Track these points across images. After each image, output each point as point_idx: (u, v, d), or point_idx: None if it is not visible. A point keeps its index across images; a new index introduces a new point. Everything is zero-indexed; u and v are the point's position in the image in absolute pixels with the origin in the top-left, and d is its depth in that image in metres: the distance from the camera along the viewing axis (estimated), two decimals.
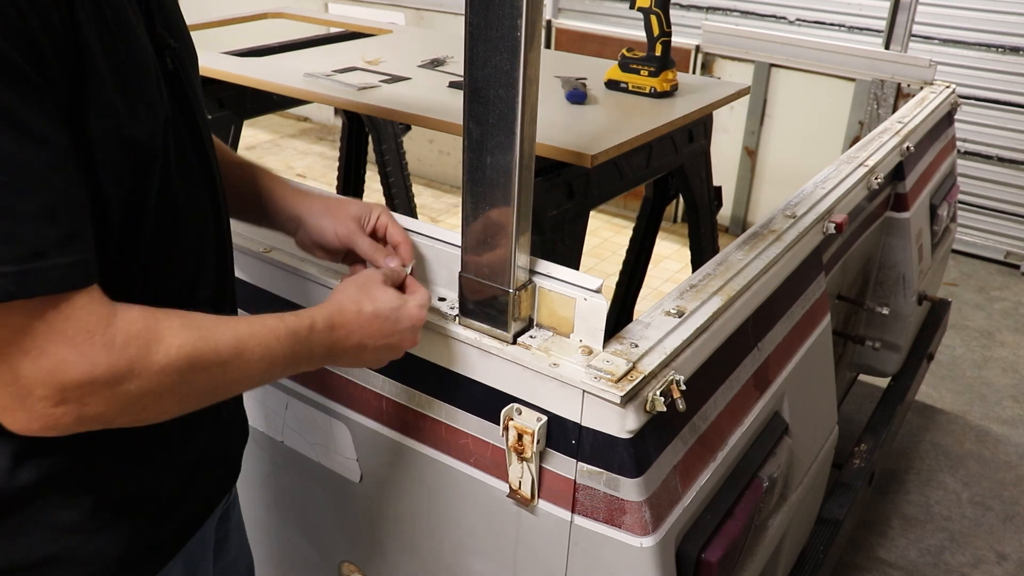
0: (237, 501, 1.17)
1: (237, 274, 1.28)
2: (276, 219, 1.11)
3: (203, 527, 1.00)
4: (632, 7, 1.81)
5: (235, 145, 2.13)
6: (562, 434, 1.00)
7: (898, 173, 2.04)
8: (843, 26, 4.35)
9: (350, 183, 2.84)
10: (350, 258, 1.11)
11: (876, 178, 1.77)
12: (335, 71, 1.88)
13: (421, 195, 4.20)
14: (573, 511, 1.02)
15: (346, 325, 0.91)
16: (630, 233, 2.33)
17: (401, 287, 1.01)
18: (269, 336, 0.82)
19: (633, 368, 0.97)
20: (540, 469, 1.02)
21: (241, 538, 1.19)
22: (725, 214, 4.28)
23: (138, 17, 0.79)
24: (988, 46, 4.05)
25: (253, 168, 1.13)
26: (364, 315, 0.92)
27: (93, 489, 0.84)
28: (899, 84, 3.33)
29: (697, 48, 3.65)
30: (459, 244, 1.03)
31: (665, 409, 0.96)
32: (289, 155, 5.28)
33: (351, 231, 1.07)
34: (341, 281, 0.99)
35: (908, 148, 2.01)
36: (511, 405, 1.02)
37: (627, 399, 0.94)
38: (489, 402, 1.05)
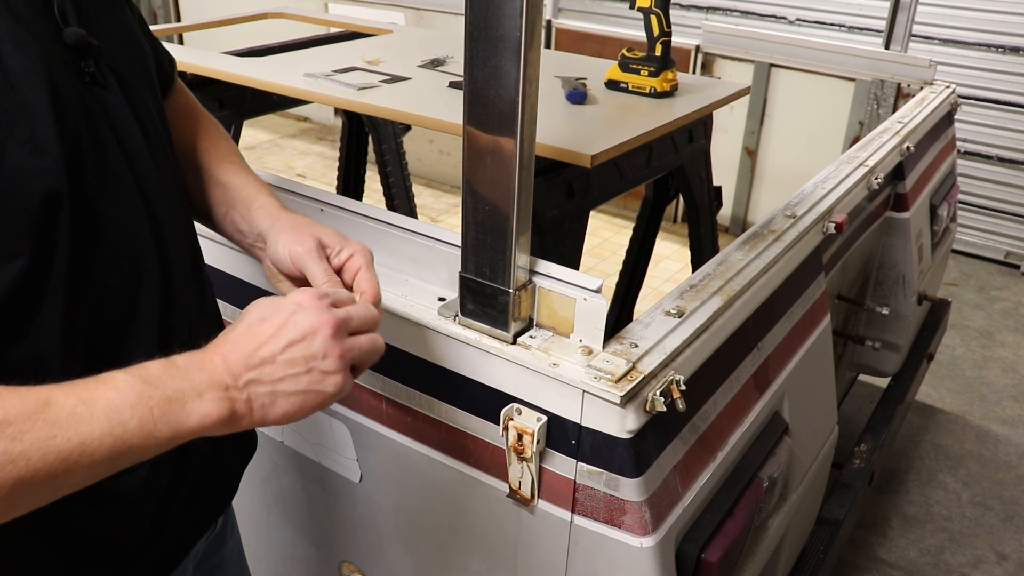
0: (234, 524, 1.09)
1: (237, 275, 1.28)
2: (247, 238, 0.97)
3: (181, 565, 0.91)
4: (632, 7, 1.81)
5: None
6: (562, 434, 0.99)
7: (898, 173, 2.04)
8: (843, 26, 4.35)
9: (350, 183, 2.85)
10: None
11: (876, 178, 1.77)
12: (335, 71, 1.88)
13: (421, 195, 4.20)
14: (573, 511, 1.02)
15: (199, 360, 0.70)
16: (630, 233, 2.33)
17: None
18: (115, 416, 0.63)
19: (633, 368, 0.97)
20: (540, 469, 1.02)
21: (239, 564, 1.10)
22: (725, 214, 4.29)
23: (23, 24, 0.69)
24: (988, 46, 4.05)
25: (239, 181, 0.99)
26: (232, 335, 0.73)
27: (47, 534, 0.76)
28: (899, 84, 3.34)
29: (697, 48, 3.65)
30: (459, 244, 1.03)
31: (665, 409, 0.96)
32: (289, 155, 5.28)
33: (307, 251, 0.89)
34: None
35: (908, 148, 2.01)
36: (511, 405, 1.02)
37: (627, 399, 0.94)
38: (489, 402, 1.05)
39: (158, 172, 0.84)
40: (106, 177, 0.75)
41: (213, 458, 0.92)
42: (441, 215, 4.48)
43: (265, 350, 0.71)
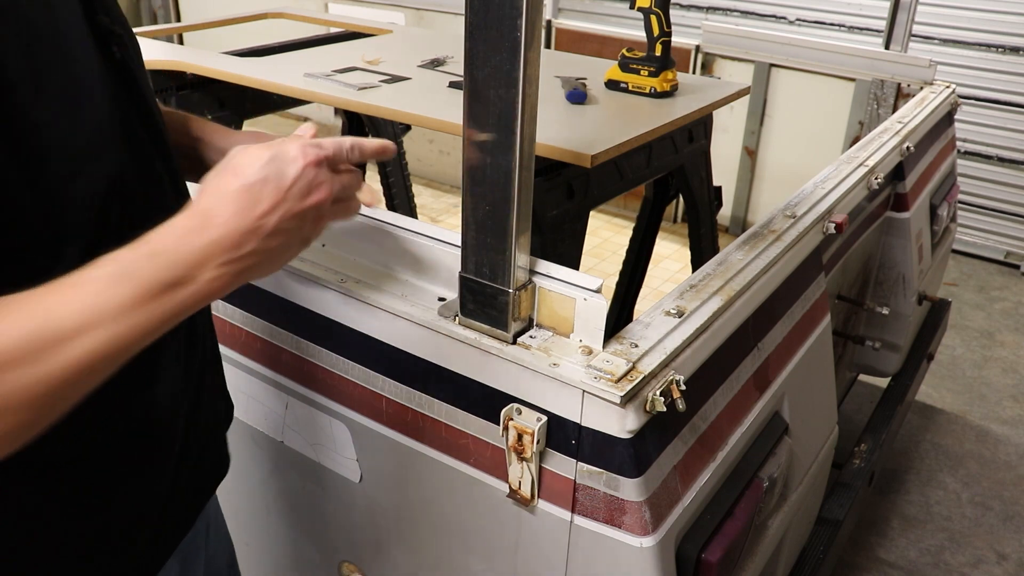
0: (215, 500, 1.13)
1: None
2: (209, 163, 0.95)
3: (195, 525, 0.97)
4: (632, 7, 1.81)
5: None
6: (562, 434, 1.00)
7: (898, 173, 2.04)
8: (843, 26, 4.35)
9: None
10: None
11: (876, 178, 1.77)
12: (335, 71, 1.88)
13: (421, 195, 4.20)
14: (573, 511, 1.02)
15: (194, 248, 0.69)
16: (630, 233, 2.33)
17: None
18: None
19: (633, 368, 0.97)
20: (540, 469, 1.02)
21: (220, 529, 1.15)
22: (725, 214, 4.29)
23: (70, 5, 0.72)
24: (988, 46, 4.05)
25: (188, 118, 1.04)
26: (227, 195, 0.71)
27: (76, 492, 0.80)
28: (899, 84, 3.34)
29: (697, 48, 3.65)
30: (459, 244, 1.03)
31: (665, 409, 0.96)
32: None
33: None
34: None
35: (908, 148, 2.01)
36: (511, 405, 1.02)
37: (627, 399, 0.94)
38: (489, 402, 1.05)
39: (169, 152, 0.88)
40: (140, 158, 0.79)
41: (208, 433, 0.98)
42: (441, 215, 4.48)
43: (258, 238, 0.71)
